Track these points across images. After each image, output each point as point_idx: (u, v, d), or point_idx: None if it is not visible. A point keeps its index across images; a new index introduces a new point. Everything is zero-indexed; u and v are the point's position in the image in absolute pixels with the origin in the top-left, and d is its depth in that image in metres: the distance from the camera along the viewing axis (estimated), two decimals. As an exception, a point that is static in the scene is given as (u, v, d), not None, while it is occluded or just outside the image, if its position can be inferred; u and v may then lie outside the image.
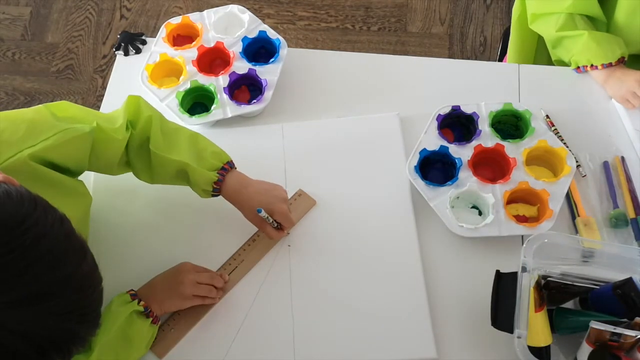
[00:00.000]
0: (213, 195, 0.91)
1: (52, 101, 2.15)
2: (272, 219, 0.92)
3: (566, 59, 1.13)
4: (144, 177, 0.93)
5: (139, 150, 0.90)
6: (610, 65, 1.07)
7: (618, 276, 0.84)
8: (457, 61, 1.19)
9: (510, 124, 1.06)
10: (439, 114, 1.03)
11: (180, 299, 0.90)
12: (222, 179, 0.90)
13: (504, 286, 0.85)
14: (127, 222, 0.99)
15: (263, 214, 0.89)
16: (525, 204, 1.00)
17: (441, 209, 0.96)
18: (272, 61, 1.10)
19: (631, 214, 0.98)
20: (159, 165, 0.90)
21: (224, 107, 1.06)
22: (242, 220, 0.99)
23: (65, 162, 0.80)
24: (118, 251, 0.98)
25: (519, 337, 0.79)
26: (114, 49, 1.19)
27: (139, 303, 0.87)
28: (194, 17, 1.15)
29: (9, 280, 0.50)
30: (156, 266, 0.93)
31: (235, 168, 0.94)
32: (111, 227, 1.00)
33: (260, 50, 1.15)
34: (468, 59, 2.02)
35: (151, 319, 0.88)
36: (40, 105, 0.83)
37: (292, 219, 0.94)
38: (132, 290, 0.89)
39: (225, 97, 1.07)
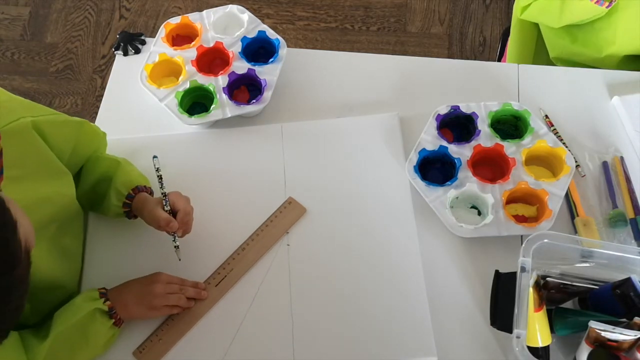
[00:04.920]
0: (123, 205, 0.93)
1: (51, 101, 2.15)
2: (165, 191, 0.90)
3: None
4: (79, 193, 0.94)
5: (95, 186, 0.95)
6: None
7: (617, 276, 0.84)
8: (456, 61, 1.19)
9: (510, 124, 1.06)
10: (438, 114, 1.03)
11: (148, 309, 0.90)
12: (141, 189, 0.94)
13: (503, 286, 0.85)
14: (125, 225, 0.99)
15: (156, 162, 0.89)
16: (525, 204, 1.00)
17: (440, 209, 0.96)
18: (272, 61, 1.10)
19: (630, 214, 0.98)
20: (90, 168, 0.95)
21: (223, 107, 1.06)
22: (241, 220, 0.99)
23: (53, 142, 0.83)
24: (112, 254, 0.98)
25: (518, 337, 0.79)
26: (113, 49, 1.19)
27: (104, 302, 0.87)
28: (193, 17, 1.15)
29: None
30: (150, 269, 0.93)
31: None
32: (107, 230, 1.00)
33: (259, 50, 1.15)
34: (467, 59, 2.03)
35: (114, 320, 0.87)
36: None
37: (187, 205, 0.92)
38: (104, 288, 0.89)
39: (225, 97, 1.07)
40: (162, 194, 0.90)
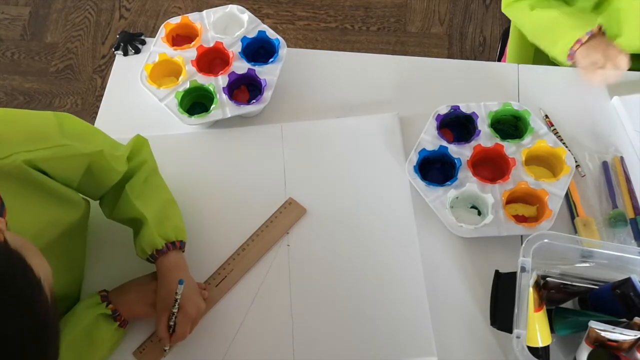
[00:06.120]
0: (147, 260, 0.89)
1: (51, 101, 2.15)
2: (175, 312, 0.85)
3: (552, 49, 1.11)
4: (105, 209, 0.93)
5: (117, 184, 0.90)
6: (592, 34, 1.04)
7: (617, 276, 0.84)
8: (456, 61, 1.19)
9: (510, 124, 1.06)
10: (438, 114, 1.03)
11: (151, 306, 0.88)
12: (165, 251, 0.88)
13: (503, 286, 0.85)
14: (125, 228, 0.99)
15: (180, 289, 0.85)
16: (525, 204, 1.00)
17: (440, 209, 0.96)
18: (272, 61, 1.10)
19: (630, 214, 0.98)
20: (123, 205, 0.90)
21: (223, 107, 1.06)
22: (241, 220, 0.99)
23: (56, 176, 0.79)
24: (111, 255, 0.98)
25: (518, 337, 0.79)
26: (113, 49, 1.19)
27: (107, 306, 0.86)
28: (193, 17, 1.15)
29: None
30: (148, 269, 0.93)
31: (183, 251, 0.92)
32: (107, 233, 1.00)
33: (259, 50, 1.15)
34: (467, 59, 2.03)
35: (118, 322, 0.87)
36: (50, 112, 0.82)
37: (187, 330, 0.87)
38: (105, 291, 0.89)
39: (225, 97, 1.07)
40: (172, 313, 0.86)
